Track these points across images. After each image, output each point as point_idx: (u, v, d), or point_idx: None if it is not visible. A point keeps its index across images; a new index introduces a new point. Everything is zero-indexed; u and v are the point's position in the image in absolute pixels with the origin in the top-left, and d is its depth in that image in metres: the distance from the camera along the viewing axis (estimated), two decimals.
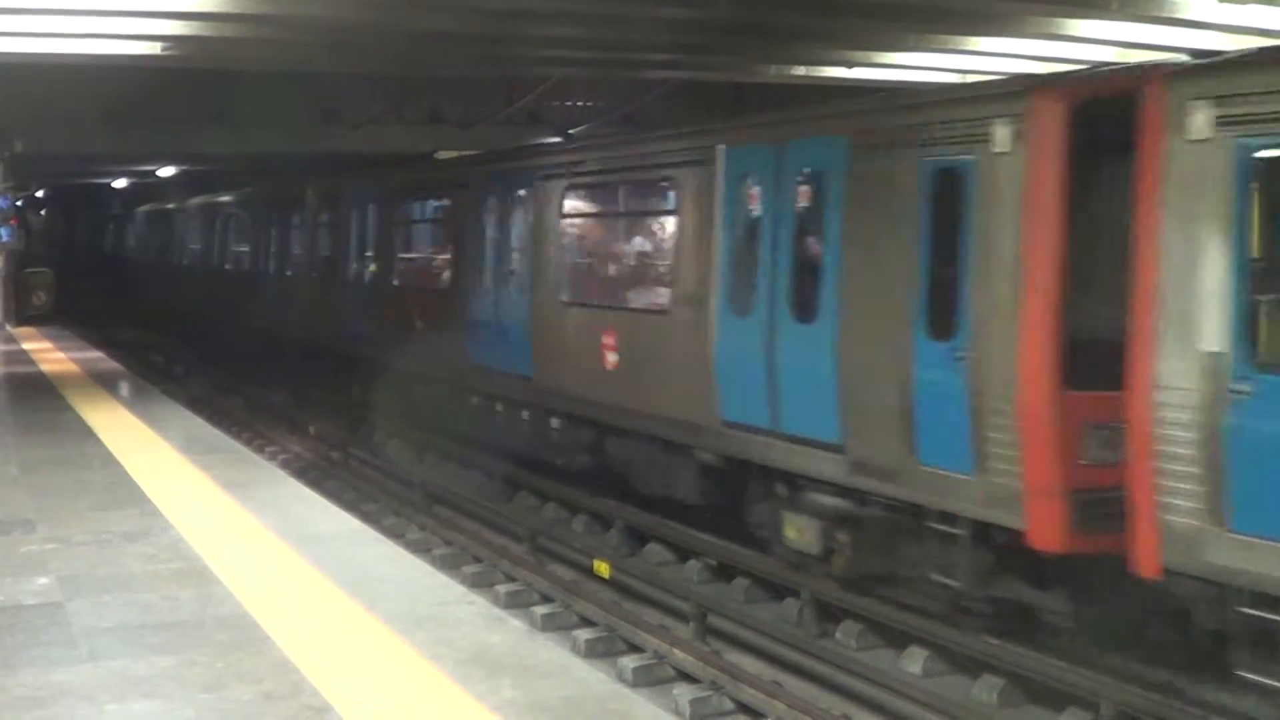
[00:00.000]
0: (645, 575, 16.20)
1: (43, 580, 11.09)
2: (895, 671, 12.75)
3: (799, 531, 14.47)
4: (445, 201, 25.64)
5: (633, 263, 19.57)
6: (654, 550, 17.26)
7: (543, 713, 7.99)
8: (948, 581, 12.62)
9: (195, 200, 44.26)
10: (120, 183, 54.92)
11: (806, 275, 14.43)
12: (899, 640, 13.38)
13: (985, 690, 12.08)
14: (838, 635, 13.83)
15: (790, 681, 12.70)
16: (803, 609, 14.23)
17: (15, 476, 15.70)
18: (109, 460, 16.49)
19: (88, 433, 18.56)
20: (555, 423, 19.49)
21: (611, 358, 17.72)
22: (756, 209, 15.47)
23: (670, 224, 17.68)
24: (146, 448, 17.50)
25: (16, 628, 9.76)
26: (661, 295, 17.44)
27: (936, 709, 11.70)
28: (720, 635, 14.19)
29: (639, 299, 18.30)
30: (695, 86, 32.48)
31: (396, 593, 10.69)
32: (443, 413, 23.35)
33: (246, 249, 37.26)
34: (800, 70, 25.66)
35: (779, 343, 14.49)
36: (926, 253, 12.65)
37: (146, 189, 51.71)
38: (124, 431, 18.74)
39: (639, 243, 20.24)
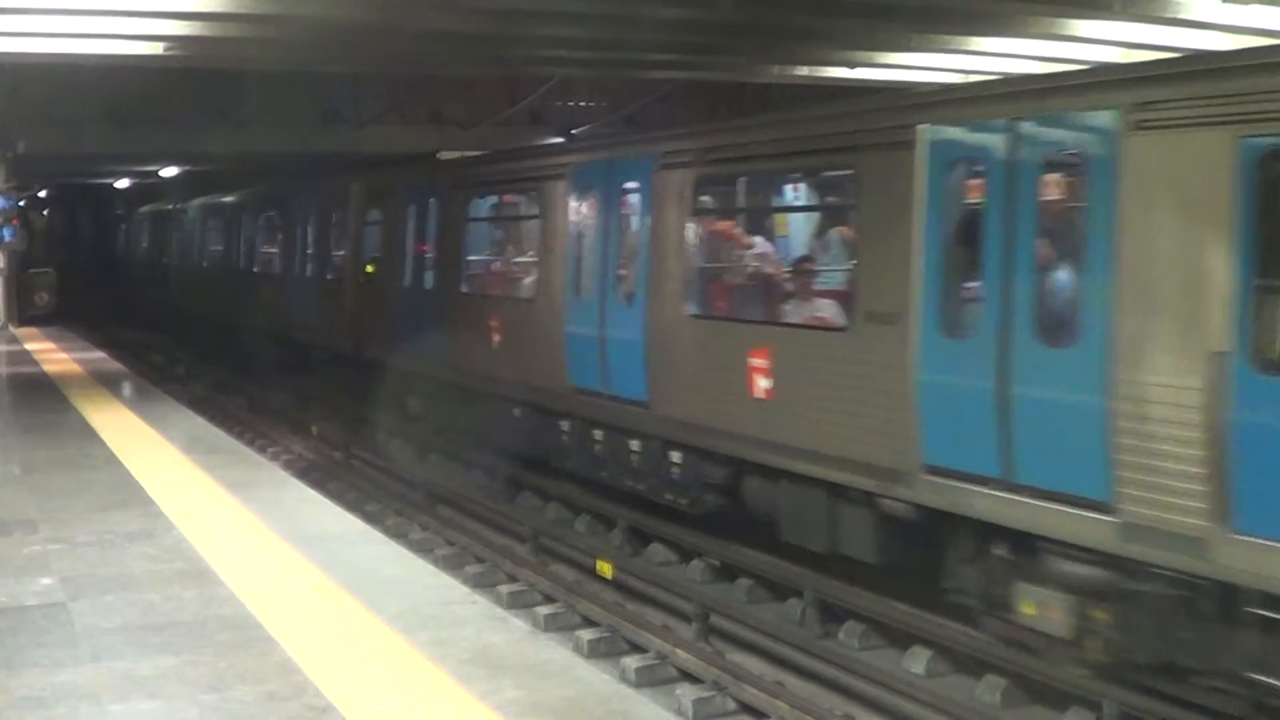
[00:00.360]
0: (648, 575, 16.18)
1: (45, 581, 11.08)
2: (898, 672, 12.74)
3: (1041, 607, 11.70)
4: (528, 196, 21.92)
5: (791, 269, 16.71)
6: (656, 550, 17.25)
7: (545, 713, 7.98)
8: (1269, 680, 10.08)
9: (221, 198, 41.30)
10: (123, 183, 54.97)
11: (1057, 287, 11.81)
12: (902, 640, 13.37)
13: (988, 691, 12.06)
14: (840, 635, 13.81)
15: (793, 681, 12.70)
16: (805, 609, 14.20)
17: (18, 477, 15.69)
18: (111, 460, 16.48)
19: (90, 433, 18.55)
20: (676, 457, 16.83)
21: (762, 384, 14.76)
22: (978, 204, 12.42)
23: (845, 222, 15.47)
24: (149, 448, 17.49)
25: (19, 628, 9.75)
26: (834, 309, 14.85)
27: (939, 709, 11.68)
28: (723, 635, 14.18)
29: (801, 313, 15.34)
30: (698, 87, 32.53)
31: (399, 593, 10.68)
32: (522, 438, 20.51)
33: (278, 250, 34.31)
34: (803, 71, 25.71)
35: (1016, 371, 11.63)
36: (1249, 260, 9.87)
37: (168, 186, 49.82)
38: (126, 432, 18.73)
39: (801, 245, 17.79)
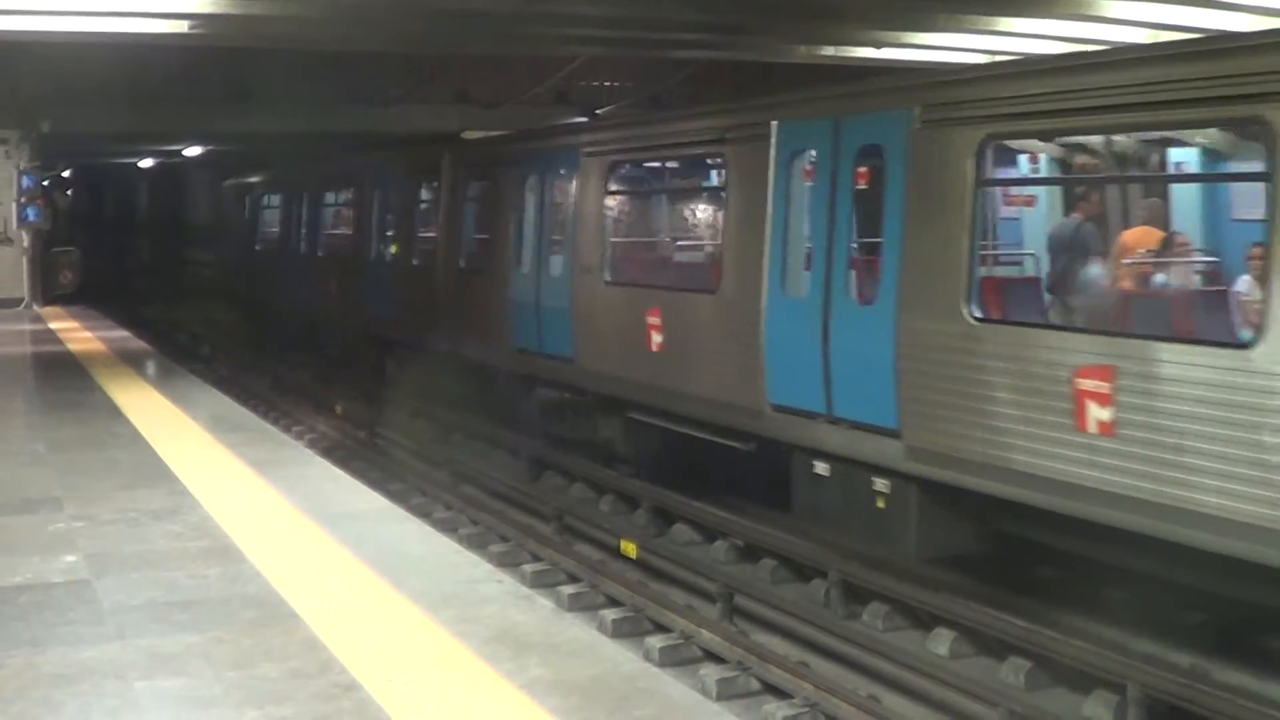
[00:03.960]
0: (672, 555, 16.16)
1: (70, 558, 11.09)
2: (922, 653, 12.70)
3: None
4: (699, 164, 18.24)
5: None
6: (681, 530, 17.21)
7: (570, 691, 7.97)
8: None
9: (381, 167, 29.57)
10: (147, 162, 55.04)
11: None
12: (926, 621, 13.33)
13: (1012, 672, 12.02)
14: (865, 616, 13.77)
15: (817, 662, 12.67)
16: (829, 590, 14.16)
17: (43, 455, 15.71)
18: (136, 439, 16.49)
19: (115, 411, 18.56)
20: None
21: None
22: None
23: None
24: (174, 426, 17.50)
25: (45, 605, 9.76)
26: None
27: (963, 690, 11.65)
28: (747, 616, 14.15)
29: None
30: (722, 66, 32.50)
31: (424, 571, 10.67)
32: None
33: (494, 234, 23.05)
34: (829, 50, 25.69)
35: None
36: None
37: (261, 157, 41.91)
38: (151, 410, 18.74)
39: None
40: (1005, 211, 14.94)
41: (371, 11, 20.64)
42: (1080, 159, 14.45)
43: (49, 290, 39.80)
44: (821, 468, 14.43)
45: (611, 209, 19.19)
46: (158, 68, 30.89)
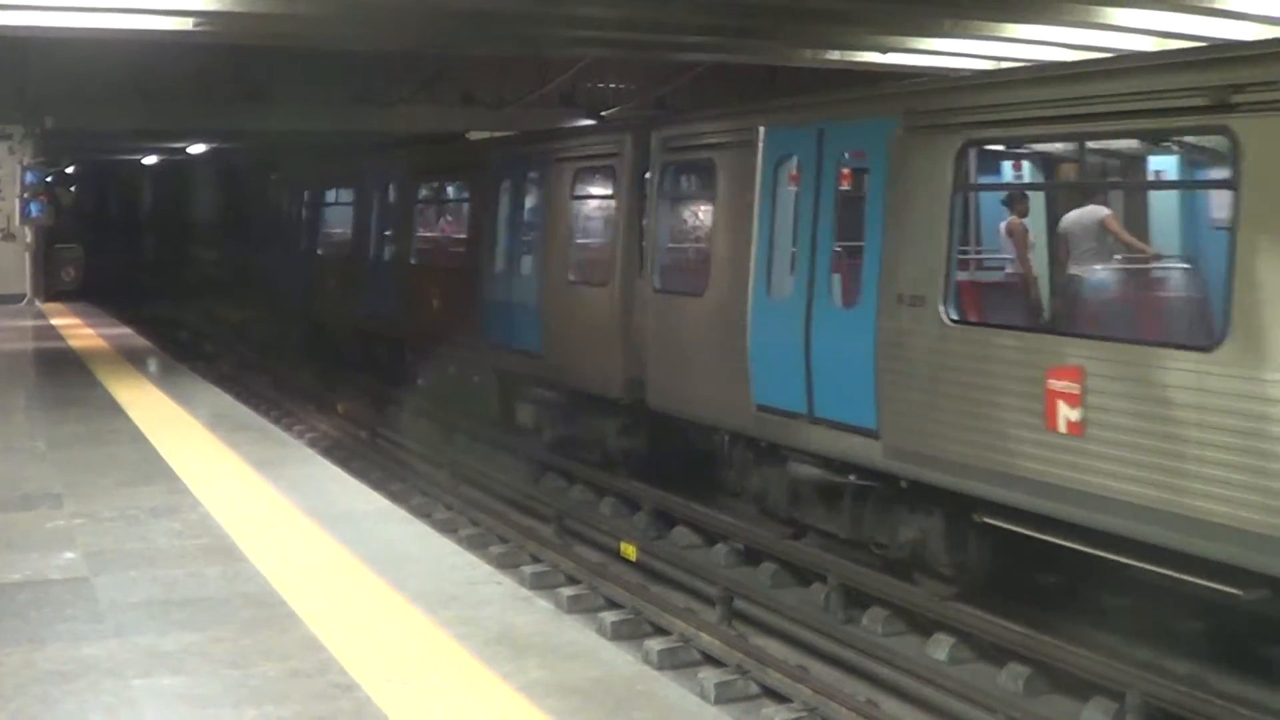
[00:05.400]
0: (672, 558, 16.16)
1: (69, 555, 11.06)
2: (921, 658, 12.71)
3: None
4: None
5: None
6: (681, 533, 17.22)
7: (569, 693, 7.95)
8: None
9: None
10: (150, 159, 55.05)
11: None
12: (925, 626, 13.33)
13: (1011, 678, 12.02)
14: (864, 621, 13.78)
15: (816, 666, 12.69)
16: (829, 594, 14.17)
17: (43, 452, 15.69)
18: (137, 436, 16.46)
19: (116, 409, 18.53)
20: None
21: None
22: None
23: None
24: (175, 424, 17.47)
25: (43, 602, 9.74)
26: None
27: (962, 696, 11.65)
28: (746, 619, 14.16)
29: None
30: (727, 70, 32.48)
31: (424, 572, 10.64)
32: None
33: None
34: (835, 55, 25.70)
35: None
36: None
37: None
38: (152, 408, 18.71)
39: None
40: None
41: (377, 11, 20.63)
42: None
43: (51, 286, 39.79)
44: None
45: (965, 212, 14.00)
46: (166, 65, 30.88)
